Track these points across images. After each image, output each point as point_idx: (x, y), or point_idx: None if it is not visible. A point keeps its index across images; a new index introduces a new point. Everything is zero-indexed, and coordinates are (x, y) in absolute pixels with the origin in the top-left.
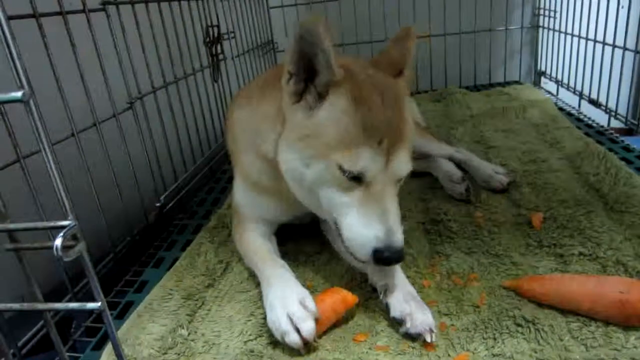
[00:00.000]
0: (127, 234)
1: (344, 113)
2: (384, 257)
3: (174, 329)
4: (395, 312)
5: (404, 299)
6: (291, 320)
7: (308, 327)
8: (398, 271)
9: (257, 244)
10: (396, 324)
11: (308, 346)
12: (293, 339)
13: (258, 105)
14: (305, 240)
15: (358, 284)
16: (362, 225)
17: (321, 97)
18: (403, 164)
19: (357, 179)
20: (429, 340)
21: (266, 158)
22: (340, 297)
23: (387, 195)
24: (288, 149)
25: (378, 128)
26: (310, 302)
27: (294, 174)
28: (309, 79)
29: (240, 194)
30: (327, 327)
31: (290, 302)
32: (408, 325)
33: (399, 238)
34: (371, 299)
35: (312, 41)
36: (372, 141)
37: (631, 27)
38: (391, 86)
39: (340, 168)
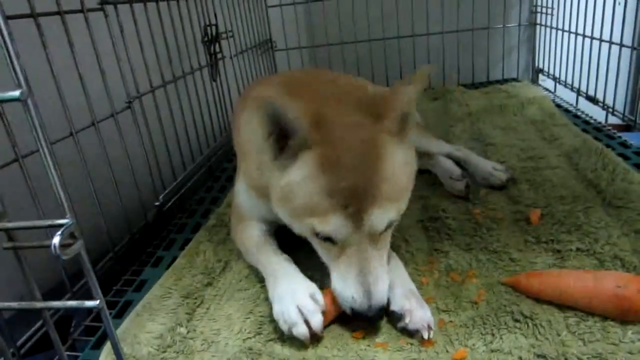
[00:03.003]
0: (126, 233)
1: (309, 179)
2: (363, 316)
3: (173, 327)
4: (395, 306)
5: (405, 294)
6: (301, 312)
7: (318, 320)
8: (400, 267)
9: (259, 240)
10: (395, 318)
11: (314, 338)
12: (302, 330)
13: None
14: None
15: None
16: (340, 285)
17: (295, 156)
18: (378, 221)
19: (331, 240)
20: (425, 336)
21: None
22: None
23: (364, 255)
24: (274, 204)
25: (344, 193)
26: (319, 296)
27: (284, 219)
28: (287, 136)
29: (242, 194)
30: (327, 323)
31: (301, 295)
32: (407, 320)
33: (377, 299)
34: None
35: (277, 120)
36: (338, 206)
37: (627, 24)
38: (370, 141)
39: (313, 231)
